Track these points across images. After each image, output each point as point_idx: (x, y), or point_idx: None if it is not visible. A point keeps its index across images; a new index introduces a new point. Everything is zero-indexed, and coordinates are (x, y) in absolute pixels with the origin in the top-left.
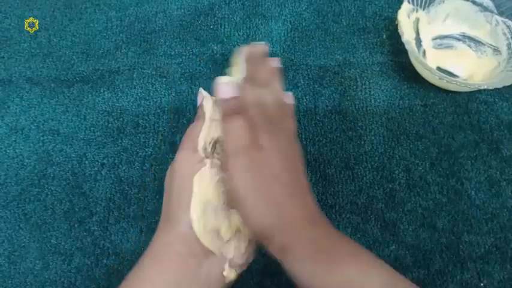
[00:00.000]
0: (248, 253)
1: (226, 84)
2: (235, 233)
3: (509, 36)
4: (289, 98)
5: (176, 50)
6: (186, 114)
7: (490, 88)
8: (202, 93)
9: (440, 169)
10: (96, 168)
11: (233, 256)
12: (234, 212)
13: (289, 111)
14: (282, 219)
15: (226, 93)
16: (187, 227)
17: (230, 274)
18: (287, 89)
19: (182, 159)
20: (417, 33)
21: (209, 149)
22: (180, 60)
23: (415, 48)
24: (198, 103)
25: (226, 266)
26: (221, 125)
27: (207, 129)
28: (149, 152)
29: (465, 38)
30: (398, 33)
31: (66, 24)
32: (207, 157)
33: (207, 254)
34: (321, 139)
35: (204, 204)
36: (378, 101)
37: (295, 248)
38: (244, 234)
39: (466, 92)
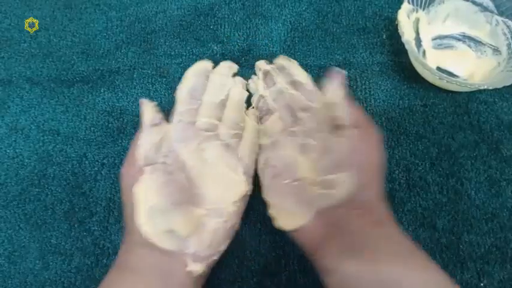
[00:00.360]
0: (215, 244)
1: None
2: (196, 227)
3: (509, 36)
4: None
5: (176, 50)
6: None
7: (490, 88)
8: (141, 100)
9: (440, 169)
10: (96, 168)
11: (195, 250)
12: (193, 207)
13: None
14: (382, 199)
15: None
16: (139, 234)
17: (195, 268)
18: None
19: (123, 173)
20: (417, 33)
21: (151, 156)
22: (180, 60)
23: (415, 48)
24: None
25: (189, 261)
26: (345, 103)
27: (146, 136)
28: None
29: (465, 38)
30: (398, 33)
31: (66, 24)
32: (148, 164)
33: (166, 253)
34: None
35: (149, 210)
36: (378, 101)
37: (390, 223)
38: (209, 226)
39: (466, 92)
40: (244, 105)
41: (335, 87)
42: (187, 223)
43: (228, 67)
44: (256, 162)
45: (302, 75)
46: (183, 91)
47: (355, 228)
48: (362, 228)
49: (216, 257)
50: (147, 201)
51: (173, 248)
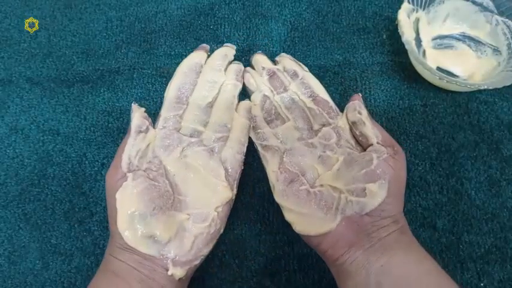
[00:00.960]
0: (197, 249)
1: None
2: (177, 232)
3: (509, 36)
4: None
5: (176, 50)
6: None
7: (490, 88)
8: (132, 106)
9: (440, 169)
10: (96, 168)
11: (176, 255)
12: (175, 212)
13: None
14: (404, 217)
15: None
16: (121, 239)
17: (176, 272)
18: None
19: (108, 178)
20: (417, 33)
21: (135, 162)
22: (180, 60)
23: (415, 48)
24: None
25: (170, 265)
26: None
27: (132, 142)
28: None
29: (465, 38)
30: (398, 33)
31: (66, 24)
32: (131, 171)
33: (148, 258)
34: None
35: (130, 216)
36: (378, 101)
37: (409, 233)
38: (191, 231)
39: (466, 92)
40: (236, 101)
41: (358, 106)
42: (168, 228)
43: (222, 57)
44: (243, 164)
45: (320, 89)
46: (170, 92)
47: (383, 235)
48: (389, 235)
49: (197, 262)
50: (128, 207)
51: (153, 253)
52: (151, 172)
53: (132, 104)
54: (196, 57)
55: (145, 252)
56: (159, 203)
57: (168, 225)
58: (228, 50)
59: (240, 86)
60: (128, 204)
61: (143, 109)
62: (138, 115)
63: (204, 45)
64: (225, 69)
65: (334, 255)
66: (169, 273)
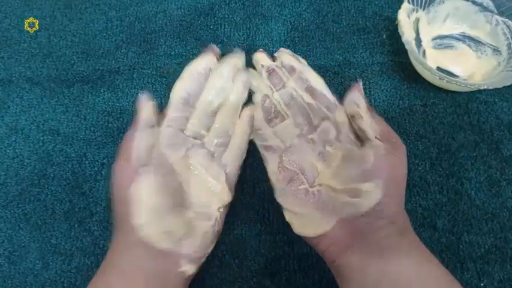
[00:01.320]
0: (205, 246)
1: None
2: (190, 229)
3: (509, 36)
4: None
5: (176, 50)
6: None
7: (490, 88)
8: (141, 97)
9: (440, 169)
10: (96, 168)
11: (188, 252)
12: (185, 210)
13: None
14: (403, 209)
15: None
16: (137, 234)
17: (188, 268)
18: None
19: (117, 171)
20: (417, 33)
21: (144, 157)
22: (180, 60)
23: (415, 48)
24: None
25: (183, 262)
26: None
27: (141, 137)
28: None
29: (465, 38)
30: (398, 33)
31: (66, 24)
32: (143, 165)
33: (161, 254)
34: None
35: (149, 211)
36: (378, 101)
37: (411, 232)
38: (199, 228)
39: (466, 92)
40: (240, 108)
41: (356, 98)
42: (181, 224)
43: (232, 66)
44: (241, 168)
45: (318, 82)
46: (177, 93)
47: (380, 237)
48: (387, 237)
49: (204, 259)
50: (147, 202)
51: (170, 248)
52: (161, 169)
53: (142, 95)
54: (205, 61)
55: (162, 248)
56: (171, 199)
57: (181, 221)
58: (237, 61)
59: (245, 97)
60: (147, 199)
61: (154, 103)
62: (149, 109)
63: (214, 46)
64: (233, 76)
65: (331, 257)
66: (182, 269)
